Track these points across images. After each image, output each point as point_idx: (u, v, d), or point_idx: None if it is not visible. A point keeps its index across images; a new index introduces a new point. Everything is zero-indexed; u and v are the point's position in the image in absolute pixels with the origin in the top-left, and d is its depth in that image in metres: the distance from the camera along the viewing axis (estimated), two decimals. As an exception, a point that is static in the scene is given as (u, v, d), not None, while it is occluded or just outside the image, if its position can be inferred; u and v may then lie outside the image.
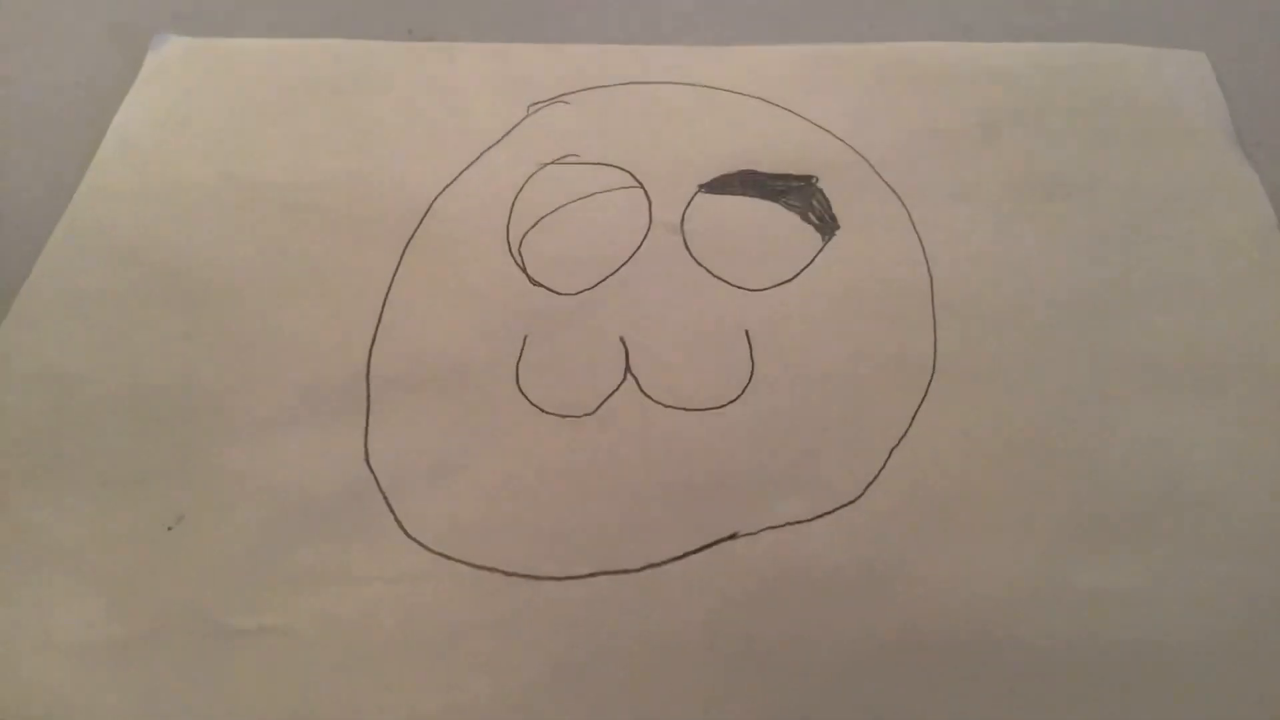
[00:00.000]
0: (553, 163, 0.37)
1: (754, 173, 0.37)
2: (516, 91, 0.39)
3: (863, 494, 0.30)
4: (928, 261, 0.34)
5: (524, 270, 0.34)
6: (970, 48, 0.41)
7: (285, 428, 0.31)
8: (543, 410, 0.31)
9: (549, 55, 0.41)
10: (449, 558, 0.29)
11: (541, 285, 0.34)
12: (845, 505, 0.30)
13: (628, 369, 0.32)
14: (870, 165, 0.37)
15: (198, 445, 0.31)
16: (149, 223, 0.36)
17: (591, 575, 0.28)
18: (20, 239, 0.35)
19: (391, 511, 0.29)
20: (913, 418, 0.31)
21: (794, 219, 0.36)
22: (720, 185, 0.36)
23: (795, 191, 0.36)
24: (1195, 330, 0.33)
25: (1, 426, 0.31)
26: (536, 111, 0.39)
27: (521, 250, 0.35)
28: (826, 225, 0.35)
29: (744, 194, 0.36)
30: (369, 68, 0.40)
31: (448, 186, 0.37)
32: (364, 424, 0.31)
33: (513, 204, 0.36)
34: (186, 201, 0.36)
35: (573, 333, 0.33)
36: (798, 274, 0.34)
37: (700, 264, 0.35)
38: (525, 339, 0.33)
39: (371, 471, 0.30)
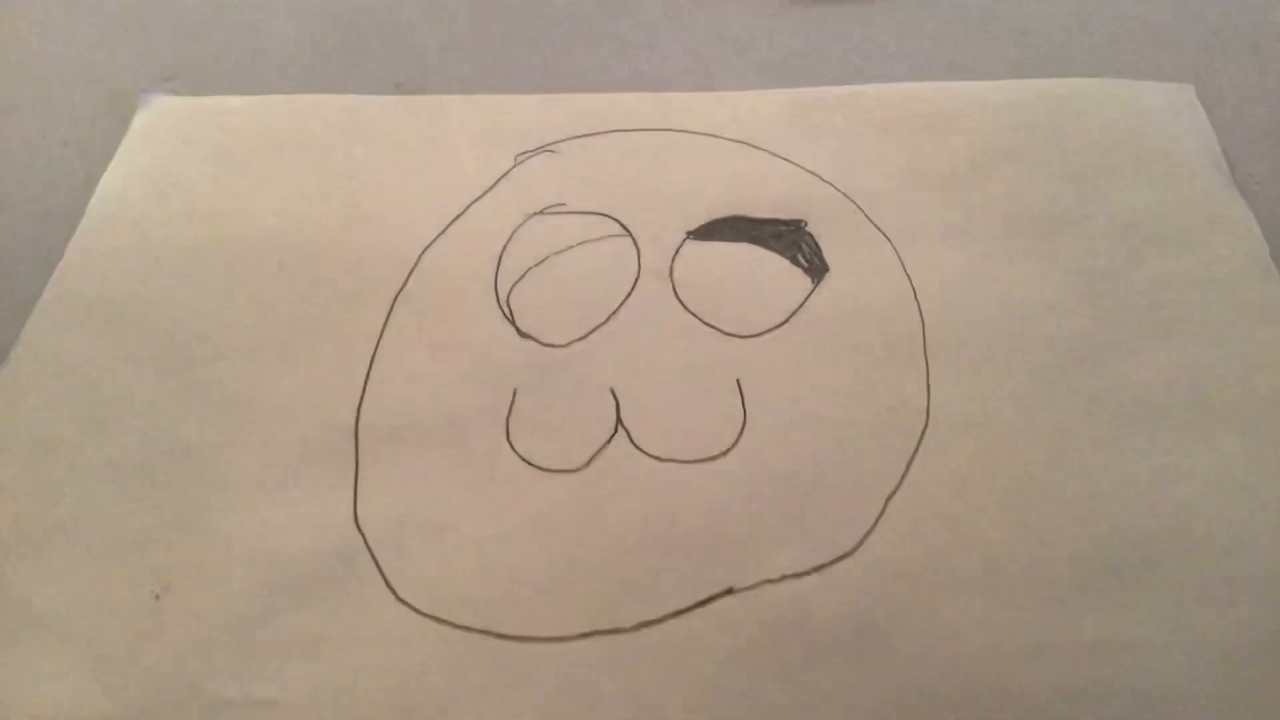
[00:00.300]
0: (540, 212, 0.37)
1: (742, 218, 0.37)
2: (503, 142, 0.39)
3: (860, 545, 0.29)
4: (919, 304, 0.34)
5: (513, 322, 0.34)
6: (957, 87, 0.41)
7: (273, 490, 0.31)
8: (533, 465, 0.31)
9: (535, 105, 0.41)
10: (439, 620, 0.28)
11: (530, 337, 0.34)
12: (843, 557, 0.29)
13: (619, 421, 0.32)
14: (859, 208, 0.37)
15: (185, 510, 0.30)
16: (137, 283, 0.36)
17: (584, 635, 0.28)
18: (9, 301, 0.35)
19: (381, 574, 0.29)
20: (908, 465, 0.31)
21: (783, 263, 0.35)
22: (709, 231, 0.36)
23: (784, 236, 0.36)
24: (1191, 366, 0.32)
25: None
26: (524, 161, 0.39)
27: (510, 302, 0.35)
28: (816, 268, 0.35)
29: (733, 239, 0.36)
30: (356, 122, 0.40)
31: (436, 239, 0.36)
32: (353, 483, 0.31)
33: (501, 255, 0.36)
34: (174, 260, 0.36)
35: (563, 385, 0.33)
36: (788, 318, 0.34)
37: (690, 311, 0.34)
38: (515, 392, 0.33)
39: (361, 533, 0.30)
